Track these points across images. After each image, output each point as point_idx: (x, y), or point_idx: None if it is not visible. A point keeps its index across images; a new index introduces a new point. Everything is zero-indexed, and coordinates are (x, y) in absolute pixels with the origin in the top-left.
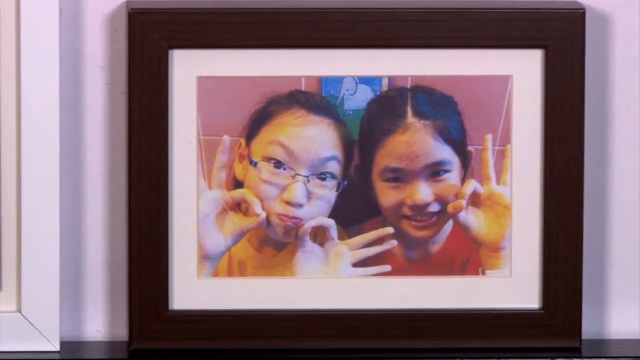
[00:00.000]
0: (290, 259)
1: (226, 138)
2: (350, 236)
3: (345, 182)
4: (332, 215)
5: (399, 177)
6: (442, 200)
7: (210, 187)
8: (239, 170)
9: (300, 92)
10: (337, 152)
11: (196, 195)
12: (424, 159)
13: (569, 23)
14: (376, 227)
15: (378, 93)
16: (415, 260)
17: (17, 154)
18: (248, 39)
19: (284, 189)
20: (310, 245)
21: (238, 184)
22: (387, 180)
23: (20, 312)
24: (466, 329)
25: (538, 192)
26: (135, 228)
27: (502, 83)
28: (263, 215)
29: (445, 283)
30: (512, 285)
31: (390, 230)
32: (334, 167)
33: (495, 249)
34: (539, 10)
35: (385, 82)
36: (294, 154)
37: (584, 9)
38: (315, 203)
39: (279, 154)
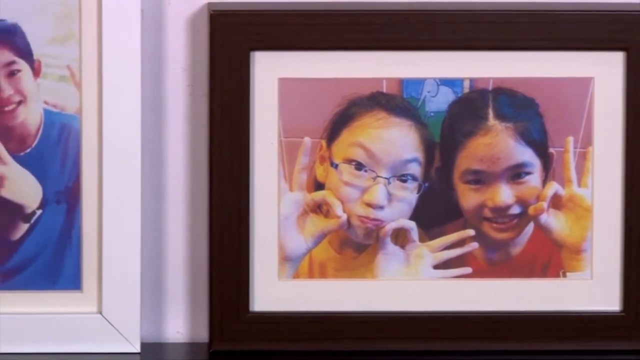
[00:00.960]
0: (371, 260)
1: (307, 140)
2: (431, 238)
3: (426, 184)
4: (413, 217)
5: (480, 179)
6: (523, 202)
7: (291, 189)
8: (320, 172)
9: (381, 94)
10: (418, 154)
11: (277, 197)
12: (506, 161)
13: None
14: (457, 230)
15: (459, 95)
16: (496, 262)
17: (98, 155)
18: (329, 41)
19: (365, 190)
20: (391, 247)
21: (319, 186)
22: (468, 182)
23: (101, 313)
24: (547, 332)
25: (619, 194)
26: (217, 229)
27: (583, 85)
28: (344, 217)
29: (526, 285)
30: (593, 287)
31: (471, 232)
32: (415, 169)
33: (577, 251)
34: (621, 13)
35: (466, 84)
36: (375, 156)
37: None
38: (396, 205)
39: (360, 155)
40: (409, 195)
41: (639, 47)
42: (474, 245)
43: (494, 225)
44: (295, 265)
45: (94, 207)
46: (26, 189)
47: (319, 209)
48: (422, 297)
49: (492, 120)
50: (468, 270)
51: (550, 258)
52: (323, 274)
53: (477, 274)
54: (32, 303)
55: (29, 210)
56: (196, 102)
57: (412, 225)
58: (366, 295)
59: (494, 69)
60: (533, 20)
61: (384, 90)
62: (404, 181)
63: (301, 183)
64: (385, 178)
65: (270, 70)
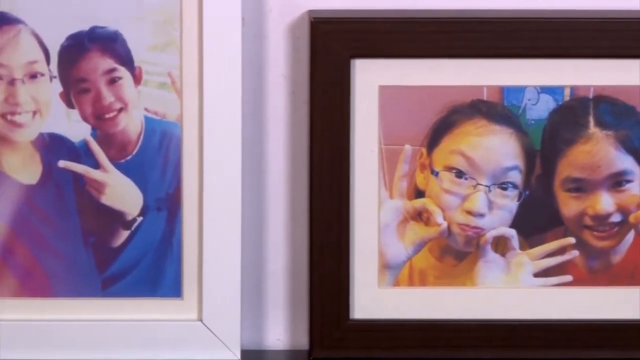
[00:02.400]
0: (471, 268)
1: (408, 147)
2: (532, 246)
3: (527, 192)
4: (514, 225)
5: (580, 187)
6: (624, 210)
7: (391, 197)
8: (420, 179)
9: (482, 101)
10: (519, 162)
11: (377, 204)
12: (606, 169)
13: None
14: (557, 237)
15: (560, 103)
16: (596, 270)
17: (199, 162)
18: (430, 49)
19: (465, 198)
20: (491, 255)
21: (419, 194)
22: (569, 190)
23: (201, 320)
24: None
25: None
26: (317, 236)
27: None
28: (444, 224)
29: (627, 293)
30: None
31: (571, 240)
32: (516, 177)
33: None
34: None
35: (567, 92)
36: (475, 164)
37: None
38: (497, 213)
39: (461, 163)
40: (509, 203)
41: None
42: (575, 253)
43: (595, 233)
44: (395, 272)
45: (194, 214)
46: (127, 196)
47: (420, 216)
48: (522, 305)
49: (592, 128)
50: (568, 278)
51: None
52: (423, 282)
53: (577, 282)
54: (132, 310)
55: (129, 218)
56: (297, 109)
57: (512, 233)
58: (466, 303)
59: (594, 77)
60: (633, 28)
61: (485, 98)
62: (505, 189)
63: (401, 190)
64: (486, 186)
65: (371, 78)
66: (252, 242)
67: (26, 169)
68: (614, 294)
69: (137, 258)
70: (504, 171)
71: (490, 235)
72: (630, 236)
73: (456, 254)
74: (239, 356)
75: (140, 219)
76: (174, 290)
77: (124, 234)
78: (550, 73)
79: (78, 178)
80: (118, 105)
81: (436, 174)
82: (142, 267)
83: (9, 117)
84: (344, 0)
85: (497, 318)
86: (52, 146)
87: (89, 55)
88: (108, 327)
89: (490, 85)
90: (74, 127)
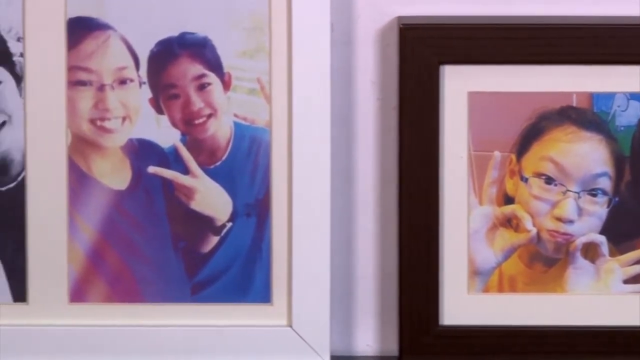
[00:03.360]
0: (561, 275)
1: (497, 154)
2: (621, 253)
3: (617, 199)
4: (603, 231)
5: None
6: None
7: (481, 203)
8: (509, 185)
9: (571, 108)
10: (608, 169)
11: (467, 211)
12: None
13: None
14: None
15: None
16: None
17: (288, 168)
18: (519, 55)
19: (554, 205)
20: (581, 261)
21: (509, 200)
22: None
23: (290, 326)
24: None
25: None
26: (406, 242)
27: None
28: (534, 231)
29: None
30: None
31: None
32: (605, 184)
33: None
34: None
35: None
36: (565, 170)
37: None
38: (586, 219)
39: (550, 170)
40: (599, 209)
41: None
42: None
43: None
44: (485, 279)
45: (283, 220)
46: (216, 202)
47: (509, 222)
48: (611, 312)
49: None
50: None
51: None
52: (513, 288)
53: None
54: (222, 316)
55: (219, 223)
56: (385, 115)
57: (602, 239)
58: (556, 310)
59: None
60: None
61: (574, 105)
62: (594, 195)
63: (491, 197)
64: (576, 192)
65: (460, 84)
66: (341, 247)
67: (116, 175)
68: None
69: (226, 264)
70: (593, 177)
71: (579, 241)
72: None
73: (545, 260)
74: None
75: (229, 224)
76: (264, 295)
77: (214, 240)
78: None
79: (167, 184)
80: (207, 111)
81: (526, 180)
82: (231, 272)
83: (98, 122)
84: (433, 6)
85: (586, 324)
86: (142, 152)
87: (178, 61)
88: (197, 332)
89: (580, 91)
90: (164, 133)
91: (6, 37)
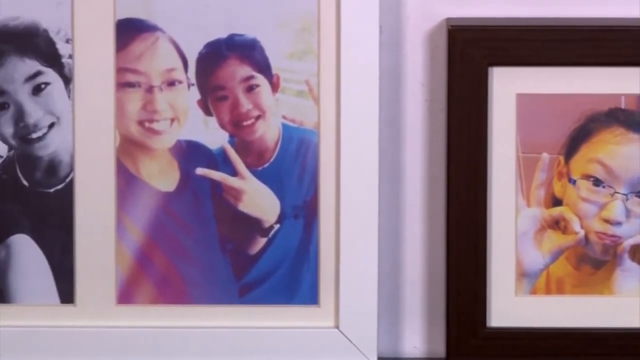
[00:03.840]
0: (608, 277)
1: (545, 156)
2: None
3: None
4: None
5: None
6: None
7: (528, 205)
8: (557, 188)
9: (619, 110)
10: None
11: (515, 213)
12: None
13: None
14: None
15: None
16: None
17: (336, 170)
18: (567, 57)
19: (602, 207)
20: (629, 263)
21: (556, 202)
22: None
23: (338, 328)
24: None
25: None
26: (454, 244)
27: None
28: (582, 233)
29: None
30: None
31: None
32: None
33: None
34: None
35: None
36: (613, 172)
37: None
38: (634, 221)
39: (598, 172)
40: None
41: None
42: None
43: None
44: (532, 281)
45: (331, 222)
46: (264, 204)
47: (557, 224)
48: None
49: None
50: None
51: None
52: (560, 290)
53: None
54: (269, 317)
55: (267, 225)
56: (434, 117)
57: None
58: (604, 312)
59: None
60: None
61: (623, 106)
62: None
63: (539, 199)
64: (624, 194)
65: (509, 86)
66: (389, 249)
67: (164, 176)
68: None
69: (274, 265)
70: None
71: (627, 243)
72: None
73: (593, 263)
74: None
75: (277, 226)
76: (311, 297)
77: (261, 242)
78: None
79: (215, 185)
80: (256, 113)
81: (574, 182)
82: (279, 274)
83: (147, 124)
84: (482, 8)
85: (634, 327)
86: (190, 153)
87: (227, 62)
88: (245, 334)
89: (628, 93)
90: (212, 135)
91: (55, 38)
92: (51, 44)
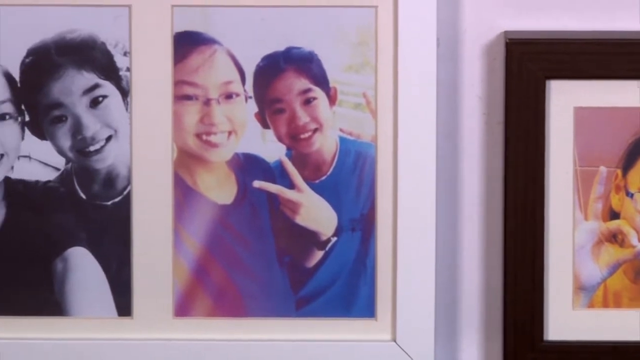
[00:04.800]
0: None
1: (603, 169)
2: None
3: None
4: None
5: None
6: None
7: (586, 218)
8: (615, 201)
9: None
10: None
11: (572, 226)
12: None
13: None
14: None
15: None
16: None
17: (393, 183)
18: (625, 70)
19: None
20: None
21: (614, 215)
22: None
23: (395, 341)
24: None
25: None
26: (511, 258)
27: None
28: (639, 246)
29: None
30: None
31: None
32: None
33: None
34: None
35: None
36: None
37: None
38: None
39: None
40: None
41: None
42: None
43: None
44: (589, 294)
45: (388, 235)
46: (321, 217)
47: (614, 238)
48: None
49: None
50: None
51: None
52: (617, 304)
53: None
54: (326, 330)
55: (324, 238)
56: (491, 130)
57: None
58: None
59: None
60: None
61: None
62: None
63: (596, 212)
64: None
65: (566, 99)
66: (446, 262)
67: (221, 189)
68: None
69: (331, 278)
70: None
71: None
72: None
73: None
74: None
75: (334, 239)
76: (368, 310)
77: (318, 254)
78: None
79: (273, 198)
80: (313, 126)
81: (631, 195)
82: (336, 287)
83: (204, 137)
84: (539, 21)
85: None
86: (247, 166)
87: (284, 75)
88: (302, 347)
89: None
90: (269, 148)
91: (113, 51)
92: (109, 56)
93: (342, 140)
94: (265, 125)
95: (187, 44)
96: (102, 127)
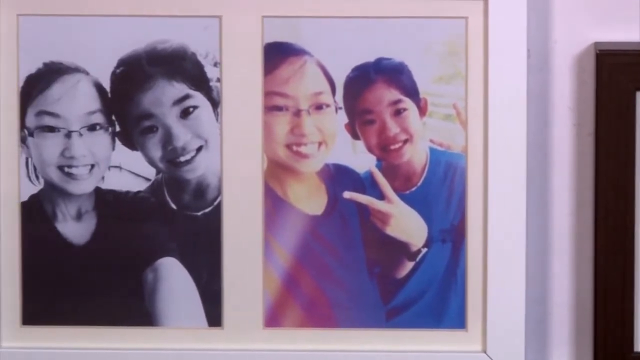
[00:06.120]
0: None
1: None
2: None
3: None
4: None
5: None
6: None
7: None
8: None
9: None
10: None
11: None
12: None
13: None
14: None
15: None
16: None
17: (484, 194)
18: None
19: None
20: None
21: None
22: None
23: (485, 352)
24: None
25: None
26: (601, 269)
27: None
28: None
29: None
30: None
31: None
32: None
33: None
34: None
35: None
36: None
37: None
38: None
39: None
40: None
41: None
42: None
43: None
44: None
45: (479, 246)
46: (412, 228)
47: None
48: None
49: None
50: None
51: None
52: None
53: None
54: (416, 341)
55: (414, 249)
56: (582, 141)
57: None
58: None
59: None
60: None
61: None
62: None
63: None
64: None
65: None
66: (536, 274)
67: (311, 200)
68: None
69: (421, 289)
70: None
71: None
72: None
73: None
74: None
75: (424, 250)
76: (458, 321)
77: (409, 265)
78: None
79: (363, 209)
80: (403, 137)
81: None
82: (426, 298)
83: (294, 147)
84: (631, 33)
85: None
86: (338, 177)
87: (374, 86)
88: (392, 358)
89: None
90: (359, 158)
91: (203, 62)
92: (199, 67)
93: (433, 151)
94: (355, 136)
95: (277, 54)
96: (193, 137)
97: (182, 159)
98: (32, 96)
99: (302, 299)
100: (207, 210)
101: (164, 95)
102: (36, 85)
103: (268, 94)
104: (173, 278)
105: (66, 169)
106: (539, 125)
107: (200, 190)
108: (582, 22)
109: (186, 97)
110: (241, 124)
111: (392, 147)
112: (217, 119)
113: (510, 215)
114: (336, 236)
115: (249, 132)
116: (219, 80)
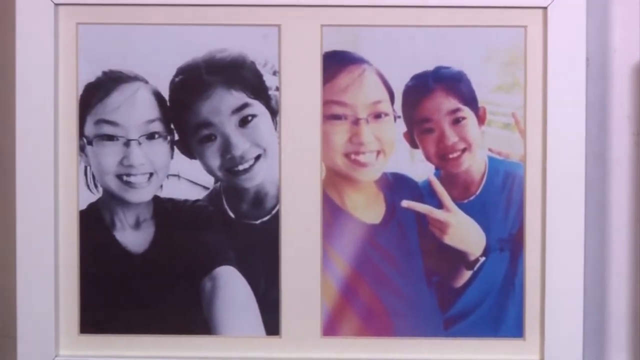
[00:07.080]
0: None
1: None
2: None
3: None
4: None
5: None
6: None
7: None
8: None
9: None
10: None
11: None
12: None
13: None
14: None
15: None
16: None
17: (542, 203)
18: None
19: None
20: None
21: None
22: None
23: None
24: None
25: None
26: None
27: None
28: None
29: None
30: None
31: None
32: None
33: None
34: None
35: None
36: None
37: None
38: None
39: None
40: None
41: None
42: None
43: None
44: None
45: (537, 255)
46: (470, 237)
47: None
48: None
49: None
50: None
51: None
52: None
53: None
54: (474, 350)
55: (472, 258)
56: None
57: None
58: None
59: None
60: None
61: None
62: None
63: None
64: None
65: None
66: (594, 282)
67: (369, 209)
68: None
69: (479, 298)
70: None
71: None
72: None
73: None
74: None
75: (482, 259)
76: (516, 330)
77: (467, 274)
78: None
79: (421, 218)
80: (462, 146)
81: None
82: (484, 307)
83: (353, 156)
84: None
85: None
86: (396, 186)
87: (433, 95)
88: None
89: None
90: (418, 167)
91: (262, 70)
92: (258, 76)
93: (491, 160)
94: (413, 145)
95: (336, 63)
96: (251, 146)
97: (241, 167)
98: (91, 105)
99: (360, 307)
100: (265, 219)
101: (223, 104)
102: (95, 94)
103: (327, 102)
104: (231, 287)
105: (125, 178)
106: (597, 134)
107: (259, 199)
108: None
109: (245, 105)
110: (300, 132)
111: (451, 155)
112: (275, 128)
113: (569, 224)
114: (394, 245)
115: (308, 140)
116: (277, 89)
